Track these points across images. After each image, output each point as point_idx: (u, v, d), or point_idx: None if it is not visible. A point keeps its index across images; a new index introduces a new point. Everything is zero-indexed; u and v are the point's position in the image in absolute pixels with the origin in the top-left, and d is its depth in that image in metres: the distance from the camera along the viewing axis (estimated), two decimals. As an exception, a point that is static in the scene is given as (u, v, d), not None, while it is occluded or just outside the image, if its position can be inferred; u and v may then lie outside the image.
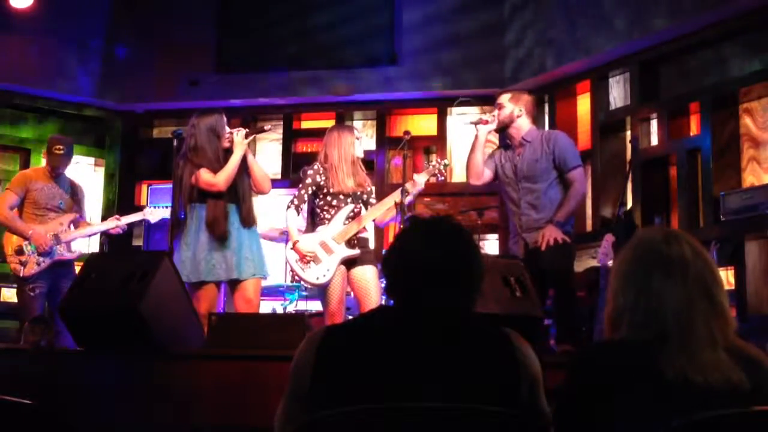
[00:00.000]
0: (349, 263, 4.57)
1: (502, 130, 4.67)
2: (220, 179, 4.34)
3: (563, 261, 4.36)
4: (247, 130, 4.56)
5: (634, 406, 1.62)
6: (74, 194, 5.52)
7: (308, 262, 4.49)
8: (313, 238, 4.56)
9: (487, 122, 4.67)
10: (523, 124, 4.61)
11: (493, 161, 4.74)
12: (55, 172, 5.41)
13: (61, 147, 5.38)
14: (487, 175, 4.73)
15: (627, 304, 1.73)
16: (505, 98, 4.68)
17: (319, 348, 1.72)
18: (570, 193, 4.45)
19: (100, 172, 7.80)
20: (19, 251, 5.20)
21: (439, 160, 4.99)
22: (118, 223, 5.52)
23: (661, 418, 1.54)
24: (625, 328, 1.72)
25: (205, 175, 4.35)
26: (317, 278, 4.50)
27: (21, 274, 5.17)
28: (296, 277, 4.64)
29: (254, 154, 4.76)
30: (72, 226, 5.41)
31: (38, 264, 5.19)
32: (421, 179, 4.68)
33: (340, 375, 1.68)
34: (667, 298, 1.70)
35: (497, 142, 7.24)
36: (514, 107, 4.60)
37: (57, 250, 5.25)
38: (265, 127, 4.91)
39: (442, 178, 4.99)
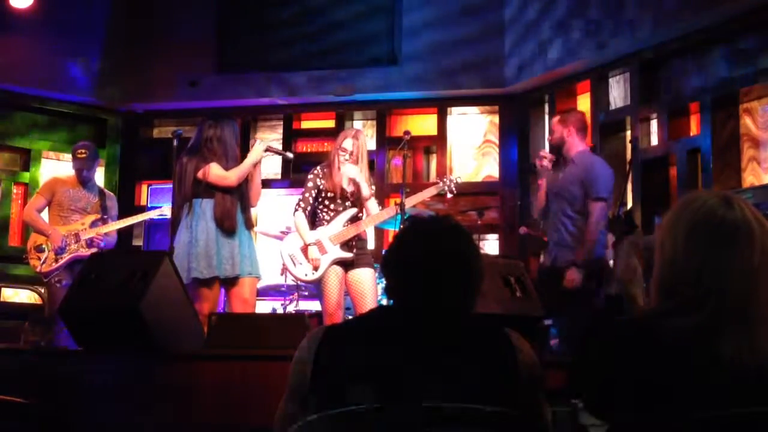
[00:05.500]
0: (347, 265, 4.58)
1: (558, 150, 4.87)
2: (232, 175, 4.45)
3: (577, 307, 4.47)
4: (269, 145, 4.79)
5: (691, 388, 1.54)
6: (101, 199, 5.68)
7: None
8: (310, 235, 4.58)
9: (542, 163, 4.87)
10: (573, 144, 4.81)
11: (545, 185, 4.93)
12: (81, 176, 5.58)
13: (84, 151, 5.57)
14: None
15: (689, 272, 1.62)
16: (554, 121, 4.96)
17: (319, 348, 1.72)
18: (586, 231, 4.57)
19: (101, 172, 7.79)
20: (39, 249, 5.43)
21: (448, 178, 4.96)
22: (126, 223, 5.78)
23: (718, 401, 1.50)
24: (680, 299, 1.62)
25: (216, 170, 4.43)
26: (305, 275, 4.55)
27: (38, 270, 5.40)
28: (284, 271, 4.73)
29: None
30: (98, 225, 5.55)
31: (56, 261, 5.37)
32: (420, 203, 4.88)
33: (340, 375, 1.68)
34: (730, 270, 1.59)
35: (496, 141, 7.28)
36: (563, 130, 4.81)
37: (73, 248, 5.38)
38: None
39: (452, 195, 4.99)
